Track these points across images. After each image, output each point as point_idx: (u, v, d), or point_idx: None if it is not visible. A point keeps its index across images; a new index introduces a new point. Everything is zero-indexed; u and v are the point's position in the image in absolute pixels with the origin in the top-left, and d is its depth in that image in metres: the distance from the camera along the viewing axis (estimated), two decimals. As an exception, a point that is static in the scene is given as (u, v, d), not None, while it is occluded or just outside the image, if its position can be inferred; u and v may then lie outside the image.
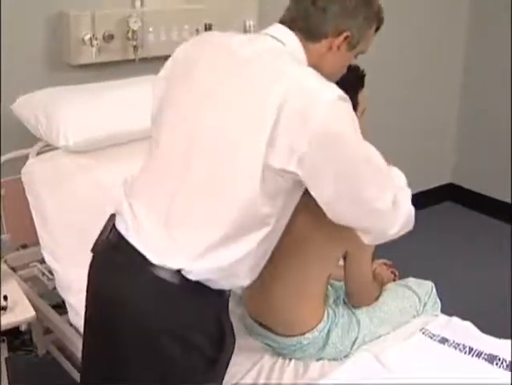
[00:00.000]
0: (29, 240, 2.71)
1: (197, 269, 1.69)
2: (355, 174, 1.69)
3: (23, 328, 2.37)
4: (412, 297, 2.37)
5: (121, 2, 2.94)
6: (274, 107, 1.59)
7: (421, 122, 4.46)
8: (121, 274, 1.75)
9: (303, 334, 2.15)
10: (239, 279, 1.79)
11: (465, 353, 2.20)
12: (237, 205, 1.66)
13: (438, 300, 2.45)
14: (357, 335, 2.21)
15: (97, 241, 1.86)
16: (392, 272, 2.49)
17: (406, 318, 2.34)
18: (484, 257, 4.01)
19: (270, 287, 2.15)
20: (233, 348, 1.85)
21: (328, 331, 2.16)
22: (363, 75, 2.11)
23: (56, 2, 2.80)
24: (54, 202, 2.47)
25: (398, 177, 1.98)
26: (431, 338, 2.27)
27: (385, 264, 2.50)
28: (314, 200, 2.01)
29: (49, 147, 2.59)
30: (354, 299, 2.24)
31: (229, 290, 1.86)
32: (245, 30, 3.26)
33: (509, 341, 2.25)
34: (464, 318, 2.40)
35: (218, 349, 1.78)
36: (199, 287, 1.72)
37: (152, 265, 1.70)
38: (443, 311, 2.44)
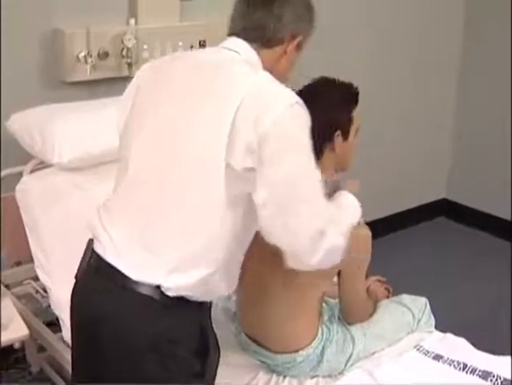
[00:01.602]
0: (23, 257, 2.70)
1: (174, 285, 1.69)
2: (292, 183, 1.64)
3: (17, 346, 2.37)
4: (406, 314, 2.37)
5: (116, 20, 2.95)
6: (231, 112, 1.62)
7: (415, 136, 4.47)
8: (102, 294, 1.75)
9: (298, 351, 2.15)
10: (218, 290, 1.79)
11: (460, 369, 2.21)
12: (205, 216, 1.67)
13: (432, 316, 2.45)
14: (351, 352, 2.21)
15: (79, 268, 1.87)
16: (385, 288, 2.49)
17: (400, 334, 2.34)
18: (477, 273, 4.01)
19: (263, 304, 2.15)
20: (218, 359, 1.84)
21: (323, 348, 2.16)
22: (357, 93, 2.13)
23: (51, 19, 2.81)
24: (48, 220, 2.46)
25: (348, 208, 1.89)
26: (425, 354, 2.27)
27: (379, 280, 2.50)
28: None
29: (43, 165, 2.59)
30: (348, 316, 2.24)
31: (211, 301, 1.86)
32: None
33: (503, 358, 2.26)
34: (458, 335, 2.41)
35: (204, 361, 1.78)
36: (180, 301, 1.71)
37: (132, 282, 1.70)
38: (437, 327, 2.44)
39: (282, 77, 1.78)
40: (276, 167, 1.62)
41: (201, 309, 1.79)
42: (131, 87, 1.91)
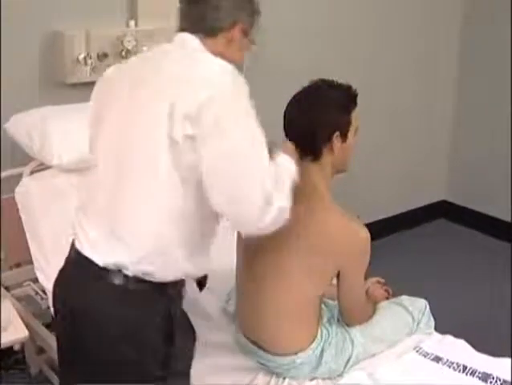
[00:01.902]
0: (23, 259, 2.70)
1: (140, 270, 1.76)
2: (236, 149, 1.70)
3: (16, 347, 2.37)
4: (406, 316, 2.37)
5: (115, 22, 2.96)
6: (171, 90, 1.72)
7: (415, 138, 4.47)
8: (78, 285, 1.85)
9: (297, 353, 2.15)
10: (177, 264, 1.81)
11: (459, 371, 2.21)
12: (160, 196, 1.74)
13: (432, 318, 2.45)
14: (351, 354, 2.21)
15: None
16: (385, 290, 2.49)
17: (400, 336, 2.34)
18: (477, 275, 4.01)
19: (261, 306, 2.15)
20: (194, 342, 1.94)
21: (322, 350, 2.16)
22: (356, 95, 2.13)
23: (51, 21, 2.81)
24: (47, 221, 2.47)
25: (283, 168, 1.87)
26: (425, 356, 2.27)
27: (378, 282, 2.50)
28: (302, 219, 2.03)
29: (43, 166, 2.59)
30: (347, 318, 2.24)
31: (180, 286, 1.90)
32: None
33: (503, 359, 2.26)
34: (458, 336, 2.41)
35: (170, 344, 1.83)
36: (145, 285, 1.78)
37: (103, 270, 1.78)
38: (437, 329, 2.44)
39: (234, 63, 1.86)
40: (218, 135, 1.68)
41: (166, 292, 1.83)
42: (95, 90, 1.99)
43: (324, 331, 2.19)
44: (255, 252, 2.14)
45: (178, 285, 1.89)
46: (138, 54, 2.09)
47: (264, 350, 2.20)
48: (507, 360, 2.25)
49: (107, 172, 1.83)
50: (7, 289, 2.67)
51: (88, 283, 1.83)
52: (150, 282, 1.79)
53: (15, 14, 2.70)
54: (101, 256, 1.79)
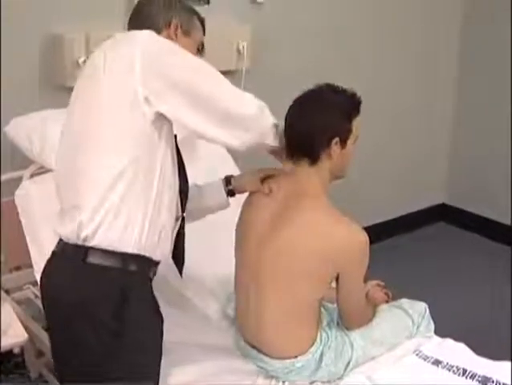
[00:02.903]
0: (23, 262, 2.70)
1: (91, 230, 1.83)
2: (192, 80, 1.87)
3: (16, 351, 2.37)
4: (406, 319, 2.37)
5: (115, 25, 2.96)
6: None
7: (414, 141, 4.48)
8: (51, 263, 1.99)
9: (296, 356, 2.14)
10: (132, 234, 1.86)
11: (459, 375, 2.20)
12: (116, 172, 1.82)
13: (431, 321, 2.45)
14: (350, 357, 2.21)
15: None
16: (385, 293, 2.49)
17: (399, 339, 2.34)
18: (477, 278, 4.01)
19: (261, 310, 2.15)
20: (161, 326, 1.98)
21: (321, 354, 2.16)
22: (360, 102, 2.12)
23: (51, 24, 2.82)
24: (47, 224, 2.46)
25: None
26: (424, 359, 2.27)
27: (378, 285, 2.50)
28: (301, 223, 2.04)
29: (43, 170, 2.60)
30: (347, 321, 2.24)
31: (143, 269, 1.93)
32: (239, 53, 3.30)
33: (503, 363, 2.25)
34: (457, 340, 2.40)
35: (121, 322, 1.87)
36: (103, 261, 1.86)
37: (67, 245, 1.89)
38: (436, 332, 2.44)
39: None
40: (175, 77, 1.83)
41: (125, 270, 1.88)
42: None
43: (324, 335, 2.19)
44: (254, 256, 2.14)
45: (142, 265, 1.92)
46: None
47: (263, 353, 2.20)
48: (507, 364, 2.25)
49: (66, 156, 1.95)
50: (7, 292, 2.67)
51: (57, 260, 1.96)
52: (111, 256, 1.85)
53: (15, 17, 2.71)
54: (65, 230, 1.89)
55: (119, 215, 1.83)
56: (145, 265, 1.93)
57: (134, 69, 1.79)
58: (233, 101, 1.94)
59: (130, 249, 1.87)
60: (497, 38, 4.29)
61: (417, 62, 4.30)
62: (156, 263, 1.98)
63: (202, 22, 2.17)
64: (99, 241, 1.84)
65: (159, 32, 1.98)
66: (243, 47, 3.31)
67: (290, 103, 2.14)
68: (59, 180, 1.98)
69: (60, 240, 1.94)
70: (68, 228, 1.88)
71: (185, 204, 2.06)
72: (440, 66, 4.44)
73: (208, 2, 3.23)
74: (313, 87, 2.14)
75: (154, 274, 2.00)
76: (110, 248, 1.85)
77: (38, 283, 2.07)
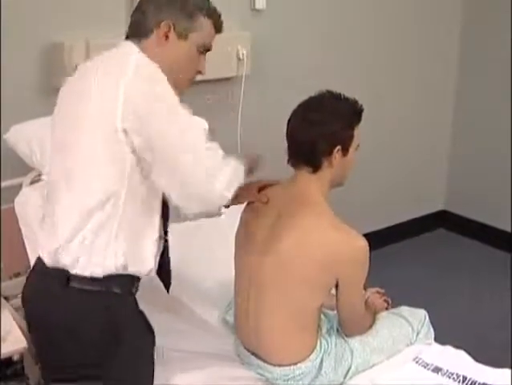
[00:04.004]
0: (22, 269, 2.70)
1: (69, 261, 1.84)
2: (167, 138, 1.80)
3: (15, 358, 2.36)
4: (405, 326, 2.37)
5: (115, 32, 2.96)
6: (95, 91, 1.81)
7: (414, 147, 4.48)
8: (33, 281, 2.00)
9: (296, 363, 2.14)
10: (112, 260, 1.86)
11: (459, 382, 2.20)
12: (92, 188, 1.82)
13: (431, 328, 2.45)
14: (350, 364, 2.21)
15: None
16: (384, 300, 2.49)
17: (399, 346, 2.34)
18: (477, 285, 4.01)
19: (260, 317, 2.15)
20: (150, 341, 2.00)
21: (321, 361, 2.16)
22: (361, 110, 2.12)
23: (51, 31, 2.82)
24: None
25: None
26: (424, 367, 2.27)
27: (378, 292, 2.50)
28: (301, 229, 2.04)
29: (42, 176, 2.59)
30: (347, 328, 2.24)
31: (126, 289, 1.93)
32: (239, 60, 3.30)
33: (503, 370, 2.25)
34: (457, 347, 2.40)
35: (111, 343, 1.87)
36: (85, 286, 1.86)
37: (52, 271, 1.88)
38: (436, 340, 2.44)
39: (177, 71, 1.94)
40: (152, 125, 1.77)
41: (109, 293, 1.88)
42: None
43: (323, 342, 2.19)
44: (253, 263, 2.14)
45: (125, 284, 1.92)
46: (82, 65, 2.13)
47: (263, 360, 2.20)
48: (507, 371, 2.25)
49: (54, 179, 1.95)
50: (6, 299, 2.66)
51: (37, 280, 1.97)
52: (93, 281, 1.85)
53: (15, 24, 2.71)
54: (50, 258, 1.89)
55: (97, 244, 1.83)
56: (128, 283, 1.93)
57: (117, 107, 1.75)
58: (205, 184, 1.82)
59: (111, 272, 1.87)
60: (497, 38, 4.28)
61: (418, 66, 4.29)
62: (139, 278, 1.98)
63: (215, 18, 2.01)
64: (79, 270, 1.84)
65: (148, 34, 1.94)
66: (243, 54, 3.31)
67: (291, 109, 2.15)
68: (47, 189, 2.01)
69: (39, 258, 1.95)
70: (46, 249, 1.90)
71: (167, 226, 2.04)
72: (439, 69, 4.44)
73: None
74: (314, 94, 2.14)
75: (137, 290, 1.99)
76: (90, 275, 1.85)
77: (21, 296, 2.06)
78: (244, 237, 2.21)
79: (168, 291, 2.14)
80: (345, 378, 2.21)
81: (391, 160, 4.35)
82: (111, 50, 1.96)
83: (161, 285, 2.06)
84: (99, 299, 1.87)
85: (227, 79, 3.32)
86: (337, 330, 2.28)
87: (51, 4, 2.81)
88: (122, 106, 1.75)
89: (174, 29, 1.93)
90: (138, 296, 2.12)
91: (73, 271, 1.84)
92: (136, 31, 1.96)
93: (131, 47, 1.92)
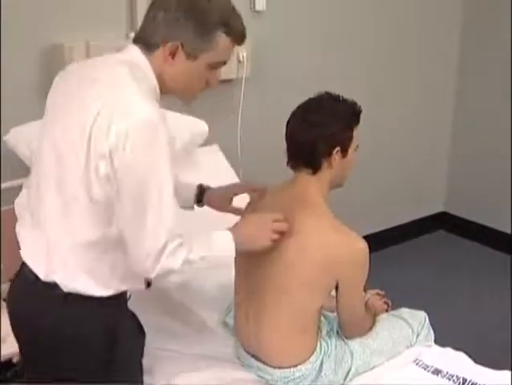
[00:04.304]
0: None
1: (58, 280, 1.82)
2: (138, 198, 1.73)
3: (15, 360, 2.36)
4: (405, 328, 2.37)
5: (115, 34, 2.97)
6: (89, 121, 1.70)
7: (414, 149, 4.48)
8: (16, 293, 1.97)
9: (296, 365, 2.14)
10: (101, 281, 1.85)
11: (459, 384, 2.20)
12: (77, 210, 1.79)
13: (431, 330, 2.45)
14: (350, 366, 2.21)
15: None
16: (384, 302, 2.49)
17: (399, 348, 2.33)
18: (477, 287, 4.01)
19: (260, 319, 2.15)
20: (142, 343, 2.00)
21: (321, 363, 2.16)
22: (360, 111, 2.13)
23: (51, 33, 2.82)
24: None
25: (208, 241, 1.91)
26: (424, 369, 2.27)
27: (378, 294, 2.50)
28: (300, 231, 2.03)
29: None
30: (347, 330, 2.24)
31: (122, 296, 1.93)
32: (239, 62, 3.31)
33: (503, 372, 2.25)
34: (457, 349, 2.40)
35: (112, 352, 1.87)
36: (78, 297, 1.83)
37: (40, 282, 1.85)
38: (436, 342, 2.43)
39: (181, 89, 1.86)
40: (124, 180, 1.71)
41: (104, 304, 1.86)
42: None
43: (323, 344, 2.18)
44: (254, 265, 2.14)
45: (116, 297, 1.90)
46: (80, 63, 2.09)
47: (263, 362, 2.20)
48: (507, 373, 2.25)
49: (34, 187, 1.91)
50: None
51: (27, 291, 1.92)
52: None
53: (15, 26, 2.72)
54: (36, 267, 1.88)
55: (95, 268, 1.83)
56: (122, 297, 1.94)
57: (103, 149, 1.69)
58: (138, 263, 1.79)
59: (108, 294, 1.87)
60: (497, 38, 4.27)
61: (418, 66, 4.29)
62: None
63: (237, 34, 1.84)
64: (68, 290, 1.83)
65: (154, 47, 1.80)
66: (243, 56, 3.31)
67: (291, 111, 2.15)
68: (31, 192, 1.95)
69: (24, 264, 1.94)
70: (32, 257, 1.90)
71: None
72: (439, 69, 4.44)
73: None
74: (313, 96, 2.15)
75: (130, 296, 2.00)
76: (88, 294, 1.84)
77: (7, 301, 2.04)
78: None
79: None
80: (345, 380, 2.21)
81: (390, 161, 4.35)
82: (116, 55, 1.86)
83: (161, 288, 2.06)
84: (91, 306, 1.85)
85: (227, 81, 3.32)
86: (337, 332, 2.27)
87: (51, 5, 2.81)
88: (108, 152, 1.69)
89: (183, 48, 1.78)
90: (138, 297, 2.13)
91: (67, 289, 1.83)
92: (144, 38, 1.82)
93: (141, 61, 1.81)
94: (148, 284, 2.10)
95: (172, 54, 1.79)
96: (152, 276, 1.79)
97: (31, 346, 1.94)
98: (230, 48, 1.85)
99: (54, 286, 1.83)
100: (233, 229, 1.96)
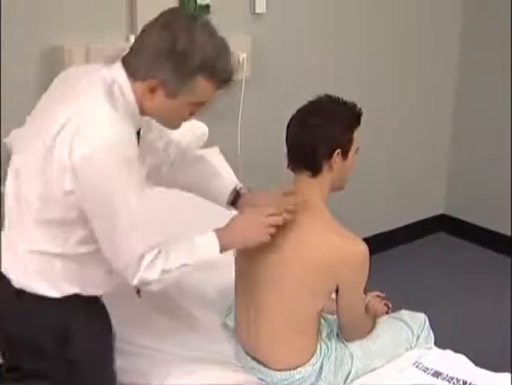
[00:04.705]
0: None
1: (24, 283, 1.88)
2: (110, 218, 1.78)
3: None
4: (405, 330, 2.37)
5: (115, 36, 2.97)
6: (55, 131, 1.73)
7: (413, 151, 4.48)
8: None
9: (296, 368, 2.14)
10: (53, 283, 1.89)
11: (459, 387, 2.20)
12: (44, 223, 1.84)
13: (431, 332, 2.44)
14: (350, 369, 2.21)
15: None
16: (385, 304, 2.48)
17: (399, 350, 2.33)
18: (477, 289, 4.00)
19: (261, 321, 2.15)
20: (110, 339, 2.03)
21: (321, 365, 2.16)
22: (360, 114, 2.13)
23: (51, 35, 2.82)
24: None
25: (196, 246, 1.95)
26: (424, 371, 2.27)
27: (378, 296, 2.50)
28: (301, 233, 2.03)
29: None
30: (347, 333, 2.24)
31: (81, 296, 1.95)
32: (239, 63, 3.30)
33: (503, 374, 2.25)
34: (457, 351, 2.40)
35: (67, 352, 1.91)
36: (29, 295, 1.89)
37: (11, 287, 1.90)
38: (436, 344, 2.43)
39: (164, 121, 1.91)
40: (91, 202, 1.76)
41: (59, 304, 1.90)
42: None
43: (323, 346, 2.18)
44: (254, 266, 2.14)
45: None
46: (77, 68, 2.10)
47: (263, 364, 2.20)
48: (507, 375, 2.25)
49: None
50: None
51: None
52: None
53: (15, 29, 2.72)
54: (10, 272, 1.92)
55: (37, 274, 1.88)
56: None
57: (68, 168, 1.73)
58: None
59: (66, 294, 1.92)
60: (497, 38, 4.28)
61: (418, 69, 4.29)
62: None
63: (221, 79, 1.82)
64: (21, 286, 1.89)
65: (135, 78, 1.80)
66: (243, 58, 3.31)
67: (291, 113, 2.15)
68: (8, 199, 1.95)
69: None
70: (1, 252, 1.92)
71: None
72: (439, 70, 4.44)
73: (208, 13, 3.24)
74: (313, 98, 2.15)
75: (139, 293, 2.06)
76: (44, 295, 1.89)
77: None
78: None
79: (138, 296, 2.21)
80: (345, 382, 2.21)
81: (390, 163, 4.35)
82: (102, 70, 1.84)
83: (161, 290, 2.06)
84: (46, 304, 1.90)
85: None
86: (337, 335, 2.27)
87: (51, 7, 2.81)
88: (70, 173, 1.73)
89: (162, 87, 1.78)
90: (138, 299, 2.13)
91: (20, 286, 1.89)
92: (128, 65, 1.82)
93: (126, 85, 1.81)
94: (138, 291, 2.15)
95: (152, 90, 1.80)
96: (133, 284, 1.87)
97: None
98: (213, 91, 1.84)
99: (8, 282, 1.90)
100: (223, 229, 1.98)
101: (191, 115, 1.91)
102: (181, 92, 1.79)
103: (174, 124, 1.95)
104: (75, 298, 1.92)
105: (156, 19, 1.80)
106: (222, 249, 1.96)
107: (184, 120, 1.93)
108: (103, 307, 2.03)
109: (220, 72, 1.81)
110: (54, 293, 1.90)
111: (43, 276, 1.88)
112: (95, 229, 1.82)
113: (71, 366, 1.93)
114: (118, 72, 1.82)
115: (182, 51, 1.75)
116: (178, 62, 1.75)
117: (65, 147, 1.71)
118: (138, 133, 1.90)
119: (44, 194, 1.79)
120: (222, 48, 1.81)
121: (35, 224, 1.84)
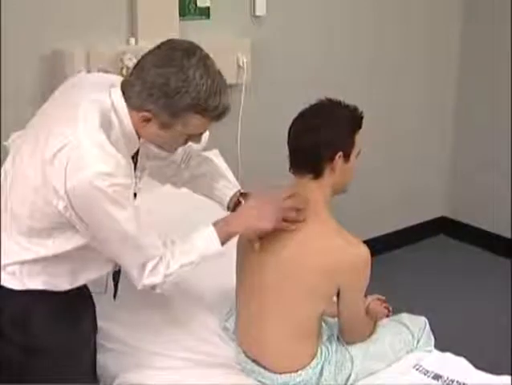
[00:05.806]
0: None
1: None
2: (103, 241, 1.87)
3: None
4: (406, 333, 2.37)
5: (116, 40, 2.97)
6: (53, 150, 1.77)
7: (414, 153, 4.48)
8: None
9: (297, 371, 2.14)
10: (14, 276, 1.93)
11: (459, 389, 2.20)
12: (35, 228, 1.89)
13: (432, 335, 2.44)
14: (350, 372, 2.21)
15: None
16: (385, 307, 2.48)
17: (399, 353, 2.33)
18: (477, 292, 4.00)
19: (262, 324, 2.15)
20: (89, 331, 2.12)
21: (321, 368, 2.16)
22: (362, 117, 2.13)
23: (51, 39, 2.83)
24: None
25: (194, 245, 2.01)
26: (424, 374, 2.27)
27: (378, 299, 2.50)
28: (302, 237, 2.04)
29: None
30: (347, 336, 2.24)
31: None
32: (239, 67, 3.31)
33: (503, 377, 2.25)
34: (458, 354, 2.40)
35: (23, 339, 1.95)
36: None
37: None
38: (436, 347, 2.43)
39: (160, 146, 1.94)
40: (84, 224, 1.82)
41: (24, 295, 1.94)
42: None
43: (324, 349, 2.19)
44: (254, 270, 2.14)
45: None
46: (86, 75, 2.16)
47: (264, 367, 2.20)
48: (507, 378, 2.25)
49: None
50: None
51: None
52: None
53: (16, 32, 2.72)
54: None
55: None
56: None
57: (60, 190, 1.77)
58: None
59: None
60: (497, 38, 4.27)
61: (419, 70, 4.29)
62: None
63: (213, 116, 1.87)
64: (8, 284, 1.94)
65: (132, 107, 1.84)
66: (244, 61, 3.32)
67: (291, 116, 2.15)
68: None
69: None
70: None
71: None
72: (440, 70, 4.44)
73: (208, 17, 3.25)
74: (315, 102, 2.15)
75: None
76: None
77: None
78: (246, 244, 2.21)
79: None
80: (345, 385, 2.21)
81: (391, 165, 4.35)
82: (101, 95, 1.86)
83: (161, 293, 2.06)
84: (6, 293, 1.93)
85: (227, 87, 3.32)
86: (337, 338, 2.27)
87: (52, 11, 2.82)
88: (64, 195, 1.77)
89: (156, 119, 1.83)
90: (138, 302, 2.13)
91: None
92: (124, 92, 1.86)
93: (121, 110, 1.85)
94: (114, 295, 2.22)
95: (146, 120, 1.84)
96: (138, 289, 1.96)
97: None
98: (206, 124, 1.89)
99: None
100: (226, 217, 2.08)
101: (186, 142, 1.96)
102: (174, 125, 1.85)
103: (170, 150, 2.01)
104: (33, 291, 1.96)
105: (155, 51, 1.84)
106: (224, 240, 2.02)
107: (181, 145, 2.00)
108: (74, 301, 2.05)
109: (212, 110, 1.85)
110: (14, 285, 1.94)
111: (4, 269, 1.92)
112: (95, 244, 1.91)
113: (28, 353, 1.95)
114: (117, 98, 1.86)
115: (175, 89, 1.78)
116: (170, 99, 1.79)
117: (61, 173, 1.75)
118: (137, 152, 1.97)
119: (34, 208, 1.85)
120: (216, 86, 1.83)
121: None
